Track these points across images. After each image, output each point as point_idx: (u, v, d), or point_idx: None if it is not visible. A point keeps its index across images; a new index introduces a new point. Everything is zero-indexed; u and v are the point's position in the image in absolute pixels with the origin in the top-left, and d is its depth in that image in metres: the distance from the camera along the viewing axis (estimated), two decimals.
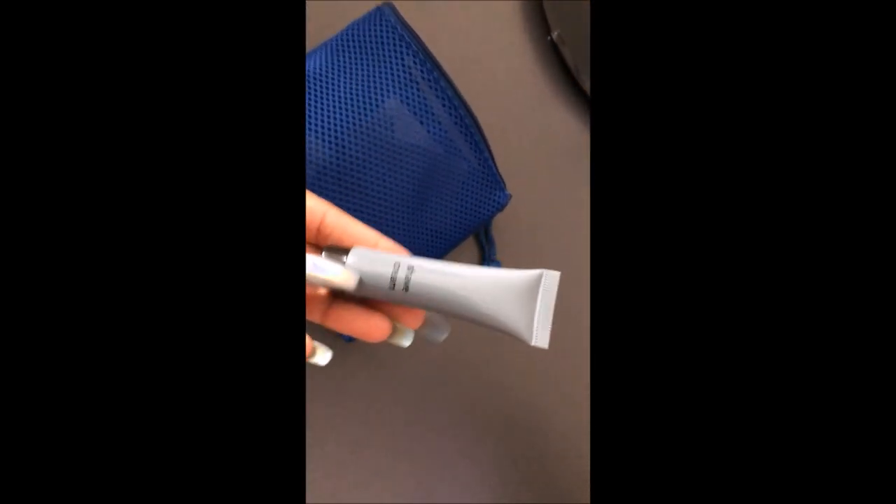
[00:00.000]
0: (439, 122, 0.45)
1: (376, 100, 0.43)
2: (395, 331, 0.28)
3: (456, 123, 0.45)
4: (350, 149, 0.42)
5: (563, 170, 0.55)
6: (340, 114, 0.43)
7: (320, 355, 0.28)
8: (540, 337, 0.25)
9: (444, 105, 0.45)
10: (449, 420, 0.48)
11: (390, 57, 0.44)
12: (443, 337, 0.27)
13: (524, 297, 0.25)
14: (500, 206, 0.49)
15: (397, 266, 0.25)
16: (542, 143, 0.55)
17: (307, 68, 0.44)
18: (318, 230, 0.28)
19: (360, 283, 0.26)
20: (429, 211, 0.46)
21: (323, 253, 0.27)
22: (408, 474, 0.46)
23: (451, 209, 0.47)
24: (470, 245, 0.52)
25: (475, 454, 0.48)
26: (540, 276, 0.25)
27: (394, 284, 0.25)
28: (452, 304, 0.25)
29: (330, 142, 0.42)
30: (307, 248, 0.29)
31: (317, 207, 0.28)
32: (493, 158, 0.48)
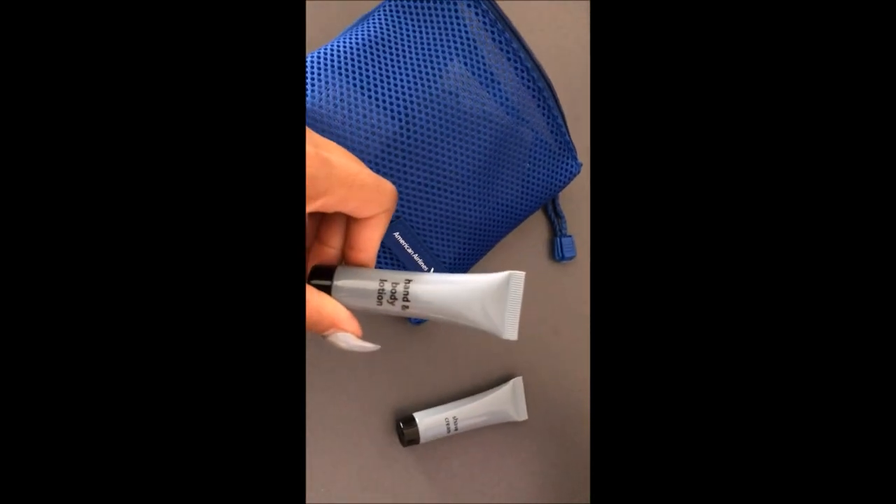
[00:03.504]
0: (506, 88, 0.41)
1: (439, 66, 0.40)
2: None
3: (528, 87, 0.42)
4: (416, 121, 0.39)
5: None
6: (403, 83, 0.39)
7: (344, 337, 0.27)
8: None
9: (514, 67, 0.41)
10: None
11: (449, 17, 0.41)
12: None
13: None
14: (571, 177, 0.45)
15: (446, 419, 0.36)
16: None
17: (364, 34, 0.41)
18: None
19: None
20: (500, 183, 0.43)
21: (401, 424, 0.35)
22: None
23: (520, 181, 0.43)
24: (539, 220, 0.49)
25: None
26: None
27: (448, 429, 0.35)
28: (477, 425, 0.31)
29: (394, 114, 0.39)
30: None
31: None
32: (566, 124, 0.44)
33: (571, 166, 0.45)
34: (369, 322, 0.43)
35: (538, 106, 0.43)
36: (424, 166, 0.39)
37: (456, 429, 0.41)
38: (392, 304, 0.28)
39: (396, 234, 0.40)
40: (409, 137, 0.39)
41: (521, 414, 0.44)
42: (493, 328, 0.28)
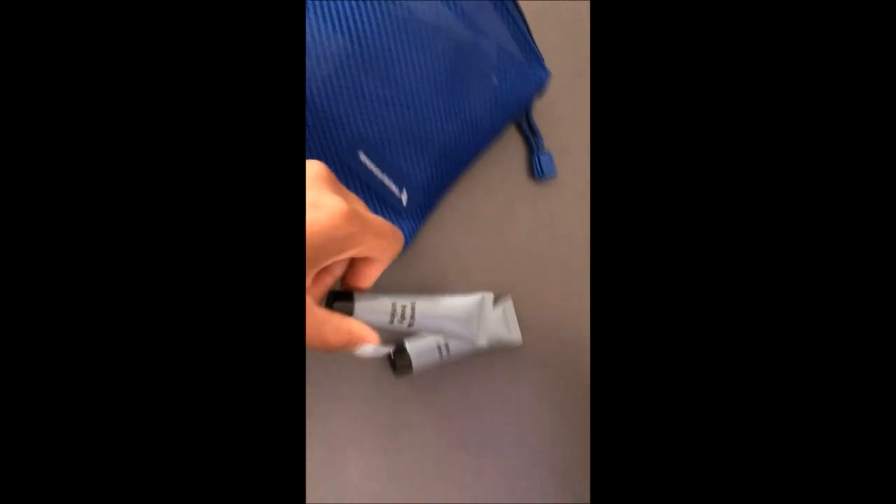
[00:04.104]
0: None
1: None
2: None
3: None
4: (368, 34, 0.37)
5: None
6: None
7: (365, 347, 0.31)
8: (515, 338, 0.42)
9: None
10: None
11: None
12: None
13: (501, 325, 0.41)
14: (540, 86, 0.43)
15: (438, 344, 0.37)
16: (580, 20, 0.49)
17: None
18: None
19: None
20: (466, 98, 0.41)
21: (392, 354, 0.38)
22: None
23: (488, 94, 0.41)
24: (514, 139, 0.47)
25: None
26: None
27: (441, 354, 0.37)
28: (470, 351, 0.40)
29: (344, 29, 0.37)
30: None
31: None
32: (529, 31, 0.42)
33: (539, 75, 0.43)
34: None
35: (496, 11, 0.41)
36: (382, 82, 0.37)
37: (448, 353, 0.39)
38: (401, 323, 0.33)
39: (361, 154, 0.38)
40: (362, 53, 0.37)
41: (515, 337, 0.42)
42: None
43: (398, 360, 0.39)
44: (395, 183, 0.39)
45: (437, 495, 0.40)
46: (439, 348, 0.39)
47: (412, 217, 0.40)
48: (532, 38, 0.43)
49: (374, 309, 0.33)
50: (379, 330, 0.34)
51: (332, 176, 0.30)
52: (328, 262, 0.29)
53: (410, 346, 0.39)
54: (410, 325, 0.33)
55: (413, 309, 0.33)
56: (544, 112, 0.48)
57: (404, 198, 0.39)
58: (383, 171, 0.39)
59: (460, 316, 0.35)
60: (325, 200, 0.28)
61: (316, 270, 0.29)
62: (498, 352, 0.43)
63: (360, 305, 0.32)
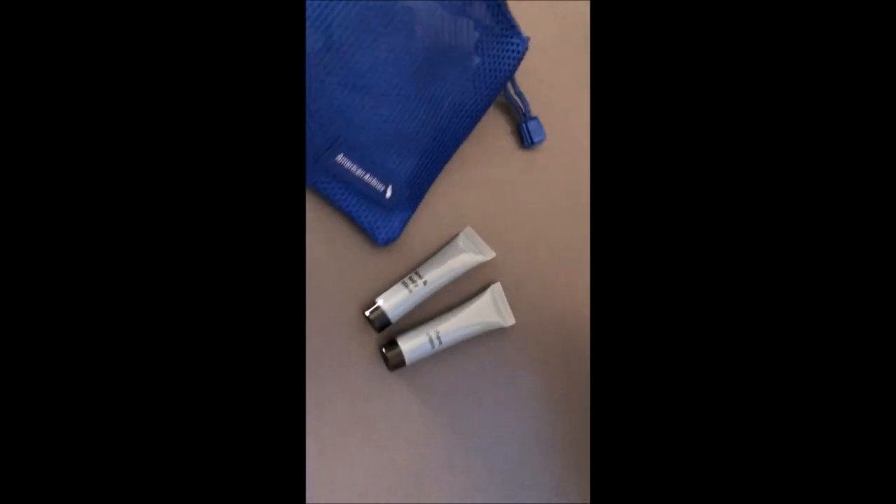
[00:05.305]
0: None
1: None
2: None
3: None
4: (337, 30, 0.35)
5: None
6: None
7: None
8: (507, 320, 0.43)
9: None
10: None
11: None
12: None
13: (491, 308, 0.42)
14: (520, 56, 0.42)
15: (429, 336, 0.40)
16: None
17: None
18: None
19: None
20: (444, 82, 0.39)
21: (384, 349, 0.40)
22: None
23: (467, 76, 0.40)
24: (501, 106, 0.46)
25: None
26: (490, 289, 0.43)
27: (433, 345, 0.40)
28: (462, 338, 0.41)
29: (309, 23, 0.35)
30: None
31: None
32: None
33: (517, 45, 0.41)
34: (358, 277, 0.42)
35: None
36: (353, 81, 0.36)
37: (440, 343, 0.40)
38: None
39: (340, 157, 0.37)
40: (329, 50, 0.35)
41: (508, 319, 0.43)
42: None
43: (389, 355, 0.40)
44: (380, 180, 0.39)
45: (435, 486, 0.42)
46: (431, 340, 0.40)
47: (401, 209, 0.40)
48: (507, 6, 0.40)
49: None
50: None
51: None
52: None
53: (402, 340, 0.40)
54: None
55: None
56: (525, 77, 0.46)
57: (388, 192, 0.39)
58: (365, 170, 0.38)
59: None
60: None
61: None
62: (489, 334, 0.44)
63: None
